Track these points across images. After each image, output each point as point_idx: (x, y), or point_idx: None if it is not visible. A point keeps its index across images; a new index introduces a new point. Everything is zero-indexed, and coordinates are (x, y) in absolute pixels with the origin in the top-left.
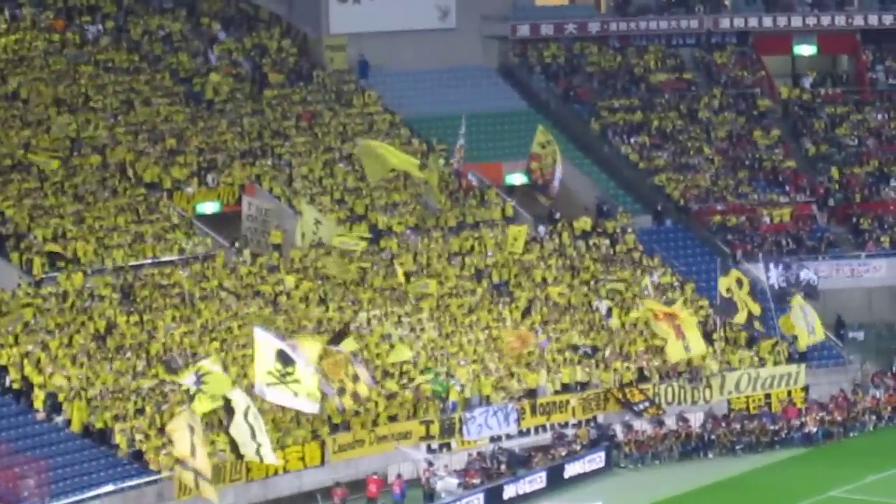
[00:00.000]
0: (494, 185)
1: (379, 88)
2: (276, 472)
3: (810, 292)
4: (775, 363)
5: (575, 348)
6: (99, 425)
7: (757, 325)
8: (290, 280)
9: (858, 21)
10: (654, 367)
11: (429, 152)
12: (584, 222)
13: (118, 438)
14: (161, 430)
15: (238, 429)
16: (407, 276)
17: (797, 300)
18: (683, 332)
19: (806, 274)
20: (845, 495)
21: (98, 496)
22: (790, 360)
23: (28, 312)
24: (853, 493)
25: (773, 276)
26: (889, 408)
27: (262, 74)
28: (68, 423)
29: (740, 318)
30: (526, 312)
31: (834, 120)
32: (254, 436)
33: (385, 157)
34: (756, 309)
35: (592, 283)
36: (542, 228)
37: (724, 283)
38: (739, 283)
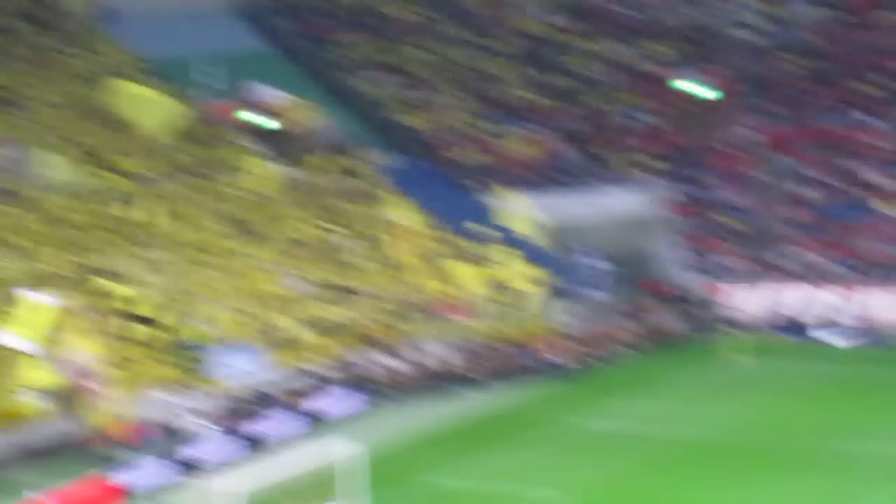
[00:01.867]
0: (233, 127)
1: (119, 31)
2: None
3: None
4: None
5: (328, 287)
6: None
7: None
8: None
9: None
10: (409, 305)
11: (178, 94)
12: (329, 161)
13: None
14: None
15: None
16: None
17: None
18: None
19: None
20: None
21: None
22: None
23: None
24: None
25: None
26: (635, 338)
27: None
28: None
29: None
30: (279, 254)
31: (581, 54)
32: None
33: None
34: None
35: (342, 222)
36: (287, 169)
37: None
38: None
